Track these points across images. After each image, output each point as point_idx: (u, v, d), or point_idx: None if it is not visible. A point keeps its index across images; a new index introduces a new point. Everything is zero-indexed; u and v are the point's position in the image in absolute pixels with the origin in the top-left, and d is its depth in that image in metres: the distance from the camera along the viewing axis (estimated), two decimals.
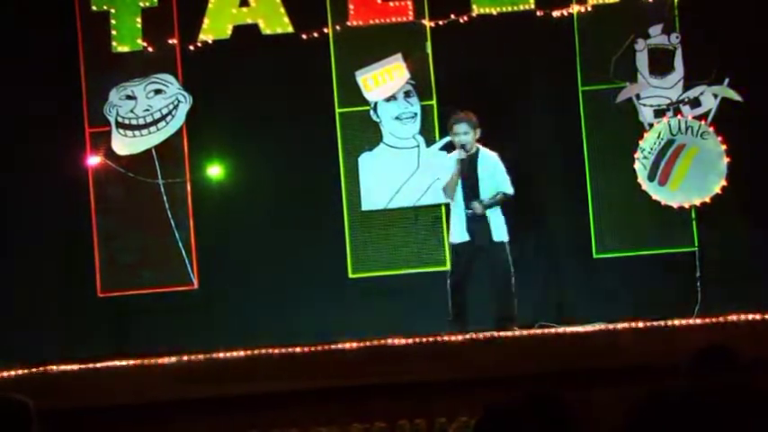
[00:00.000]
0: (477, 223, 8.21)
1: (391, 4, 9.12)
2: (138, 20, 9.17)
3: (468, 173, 8.20)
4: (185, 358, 7.71)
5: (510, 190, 8.27)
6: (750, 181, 8.85)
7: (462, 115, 8.25)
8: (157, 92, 9.16)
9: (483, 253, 8.25)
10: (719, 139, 8.80)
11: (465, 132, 8.18)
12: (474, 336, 7.88)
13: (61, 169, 9.16)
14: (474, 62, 9.07)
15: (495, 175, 8.25)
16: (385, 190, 9.15)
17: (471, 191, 8.22)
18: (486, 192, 8.22)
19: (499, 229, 8.24)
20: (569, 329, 7.93)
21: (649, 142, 8.85)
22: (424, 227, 9.18)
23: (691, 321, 8.06)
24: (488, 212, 8.22)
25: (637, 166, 8.84)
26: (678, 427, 2.71)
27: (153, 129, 9.16)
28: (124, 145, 9.16)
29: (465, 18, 9.03)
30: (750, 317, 7.84)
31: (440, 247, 9.10)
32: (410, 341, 7.79)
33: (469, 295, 8.26)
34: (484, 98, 9.01)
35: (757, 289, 8.52)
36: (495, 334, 7.88)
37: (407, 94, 9.17)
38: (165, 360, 7.72)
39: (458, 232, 8.30)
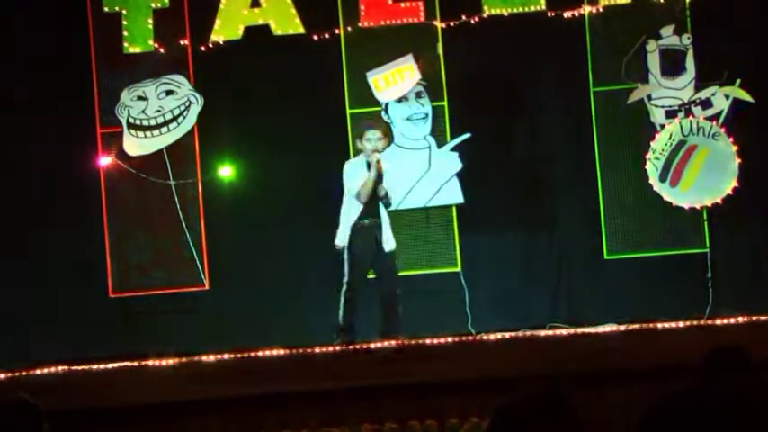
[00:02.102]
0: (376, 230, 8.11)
1: (402, 5, 9.11)
2: (150, 21, 9.18)
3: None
4: (196, 359, 7.69)
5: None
6: (761, 182, 8.85)
7: (371, 120, 8.17)
8: (169, 93, 9.16)
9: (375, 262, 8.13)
10: (731, 139, 8.79)
11: (379, 138, 8.09)
12: (485, 336, 7.87)
13: (73, 170, 9.17)
14: (485, 63, 9.07)
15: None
16: (396, 191, 9.07)
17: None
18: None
19: (389, 238, 8.16)
20: (580, 330, 7.92)
21: (661, 143, 8.84)
22: (436, 228, 9.16)
23: (702, 322, 8.04)
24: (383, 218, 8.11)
25: (648, 166, 8.84)
26: (691, 428, 2.68)
27: (164, 129, 9.16)
28: (135, 146, 9.17)
29: (476, 19, 9.02)
30: (762, 318, 7.81)
31: (451, 248, 9.08)
32: (420, 342, 7.78)
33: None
34: (495, 99, 9.05)
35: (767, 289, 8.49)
36: (507, 335, 7.86)
37: (418, 95, 9.17)
38: (176, 360, 7.71)
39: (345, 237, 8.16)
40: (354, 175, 8.14)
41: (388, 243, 8.13)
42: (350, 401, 6.90)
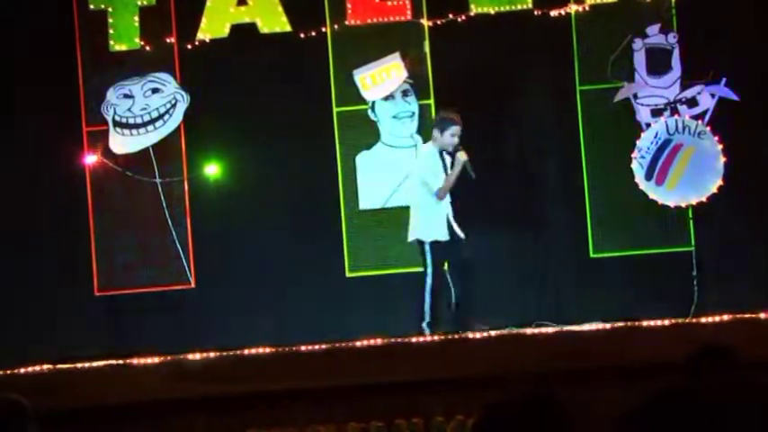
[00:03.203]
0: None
1: (389, 3, 9.11)
2: (136, 18, 9.16)
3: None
4: (182, 357, 7.66)
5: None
6: (747, 180, 8.86)
7: (456, 117, 8.21)
8: (155, 91, 9.15)
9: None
10: (716, 138, 8.80)
11: (458, 134, 8.16)
12: (471, 335, 7.87)
13: (59, 168, 9.15)
14: (472, 61, 9.06)
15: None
16: (383, 189, 9.14)
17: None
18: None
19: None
20: (566, 328, 7.92)
21: (646, 142, 8.85)
22: None
23: (687, 321, 8.05)
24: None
25: (634, 165, 8.84)
26: (678, 426, 2.69)
27: (150, 128, 9.15)
28: (121, 144, 9.15)
29: (463, 17, 9.03)
30: (747, 316, 7.82)
31: None
32: (407, 340, 7.78)
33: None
34: (481, 97, 9.03)
35: (754, 288, 8.52)
36: (493, 333, 7.87)
37: (405, 93, 9.18)
38: (162, 359, 7.69)
39: (440, 230, 8.21)
40: (431, 165, 8.17)
41: (460, 232, 8.17)
42: (336, 400, 6.90)
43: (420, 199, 8.24)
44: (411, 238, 8.28)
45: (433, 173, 8.19)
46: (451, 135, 8.17)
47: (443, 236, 8.17)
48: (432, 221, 8.19)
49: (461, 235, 8.20)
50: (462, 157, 8.11)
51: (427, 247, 8.13)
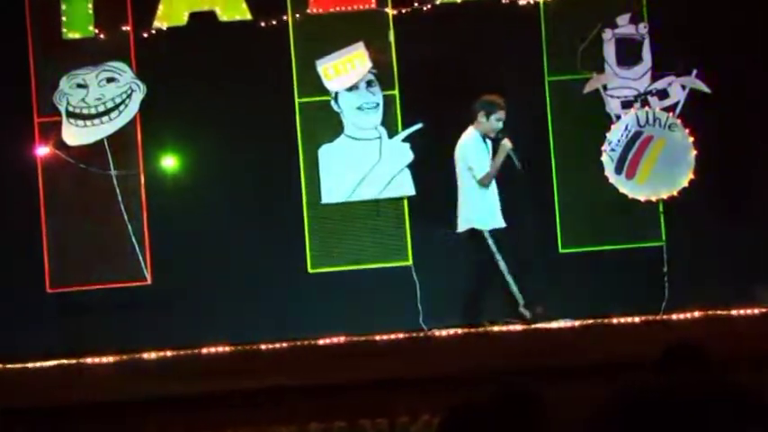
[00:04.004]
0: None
1: None
2: (90, 5, 9.07)
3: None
4: (138, 356, 7.63)
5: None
6: (718, 174, 8.91)
7: (500, 98, 8.28)
8: (110, 80, 9.07)
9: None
10: (687, 131, 8.84)
11: (503, 119, 8.27)
12: (436, 332, 7.87)
13: (9, 160, 9.05)
14: (437, 51, 9.04)
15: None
16: (346, 182, 9.12)
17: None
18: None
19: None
20: (535, 326, 7.94)
21: (616, 134, 8.88)
22: (387, 220, 9.16)
23: (658, 318, 8.09)
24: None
25: (604, 158, 8.87)
26: (647, 424, 2.69)
27: (105, 118, 9.07)
28: (75, 135, 9.06)
29: (428, 6, 9.02)
30: (718, 313, 7.87)
31: (402, 242, 9.09)
32: (371, 338, 7.77)
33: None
34: (447, 88, 9.00)
35: (725, 285, 8.56)
36: (460, 331, 7.88)
37: (369, 84, 9.15)
38: (117, 358, 7.65)
39: (497, 217, 8.28)
40: (477, 154, 8.24)
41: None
42: (298, 399, 6.88)
43: (468, 186, 8.28)
44: (463, 227, 8.30)
45: (478, 158, 8.29)
46: (497, 120, 8.28)
47: (500, 222, 8.27)
48: (485, 208, 8.29)
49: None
50: (508, 144, 8.22)
51: (487, 235, 8.21)
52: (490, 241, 8.18)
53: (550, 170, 9.08)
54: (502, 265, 8.17)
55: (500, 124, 8.27)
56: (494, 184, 8.37)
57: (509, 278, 8.14)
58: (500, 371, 6.51)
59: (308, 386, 6.85)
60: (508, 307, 8.30)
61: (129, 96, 9.07)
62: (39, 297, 9.01)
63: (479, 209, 8.27)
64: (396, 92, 9.13)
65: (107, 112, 9.06)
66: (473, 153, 8.29)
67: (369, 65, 9.00)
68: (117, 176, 9.04)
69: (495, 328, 7.95)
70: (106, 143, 9.06)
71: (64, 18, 9.07)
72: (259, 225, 9.09)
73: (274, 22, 9.05)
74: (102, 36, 9.07)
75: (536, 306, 8.11)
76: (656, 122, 8.87)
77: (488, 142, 8.39)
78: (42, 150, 9.07)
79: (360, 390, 6.87)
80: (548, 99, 9.07)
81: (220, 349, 8.04)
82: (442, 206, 8.94)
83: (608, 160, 8.86)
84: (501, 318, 8.32)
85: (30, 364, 7.54)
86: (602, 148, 8.87)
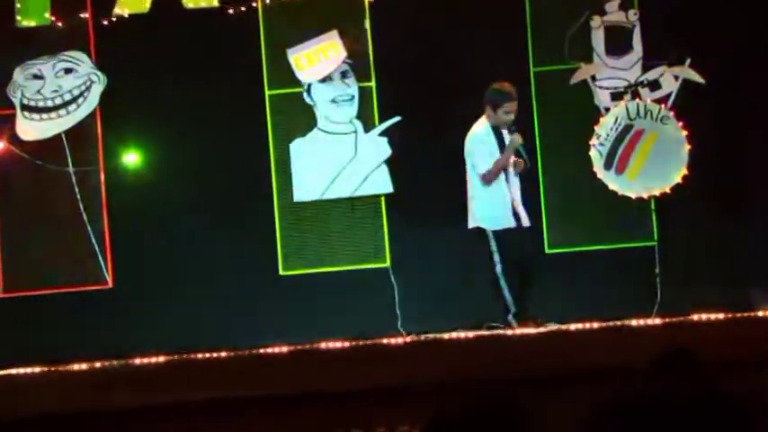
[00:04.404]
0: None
1: None
2: None
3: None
4: (99, 364, 7.61)
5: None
6: (713, 169, 8.93)
7: (510, 87, 8.20)
8: (68, 71, 9.07)
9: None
10: (680, 124, 8.85)
11: (513, 111, 8.20)
12: (415, 338, 7.86)
13: None
14: (416, 40, 9.05)
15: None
16: (319, 179, 9.14)
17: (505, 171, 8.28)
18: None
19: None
20: (519, 331, 7.94)
21: (606, 127, 8.89)
22: (362, 219, 9.16)
23: (649, 321, 8.11)
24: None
25: (592, 153, 8.88)
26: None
27: (63, 112, 9.07)
28: (30, 129, 9.07)
29: None
30: (713, 316, 7.90)
31: (380, 242, 9.10)
32: (346, 344, 7.77)
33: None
34: (427, 80, 9.03)
35: (720, 286, 8.60)
36: (440, 337, 7.88)
37: (344, 75, 9.15)
38: (77, 367, 7.63)
39: (505, 217, 8.23)
40: (481, 149, 8.18)
41: (525, 219, 8.22)
42: (267, 410, 6.86)
43: (475, 182, 8.23)
44: (470, 225, 8.28)
45: (481, 154, 8.21)
46: (505, 112, 8.17)
47: (509, 222, 8.19)
48: (492, 207, 8.20)
49: (525, 223, 8.23)
50: (517, 140, 8.16)
51: (490, 235, 8.14)
52: (492, 242, 8.14)
53: (536, 165, 9.03)
54: (499, 268, 8.13)
55: (510, 117, 8.14)
56: (512, 180, 8.25)
57: (504, 283, 8.11)
58: (483, 379, 6.50)
59: (276, 396, 6.82)
60: (488, 311, 8.30)
61: (87, 88, 9.07)
62: None
63: (486, 206, 8.22)
64: (372, 83, 9.14)
65: (65, 104, 9.07)
66: (477, 147, 8.23)
67: (343, 54, 9.01)
68: (75, 173, 9.03)
69: (478, 334, 7.94)
70: (64, 138, 9.06)
71: (18, 5, 9.07)
72: (227, 225, 9.11)
73: (243, 9, 9.06)
74: (59, 24, 9.07)
75: (532, 319, 8.08)
76: (647, 115, 8.89)
77: (503, 135, 8.23)
78: None
79: (334, 399, 6.85)
80: (533, 91, 9.07)
81: (186, 357, 8.02)
82: (422, 204, 8.95)
83: (597, 155, 8.88)
84: (485, 323, 8.33)
85: None
86: (591, 142, 8.89)
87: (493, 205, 8.20)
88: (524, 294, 8.19)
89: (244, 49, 9.10)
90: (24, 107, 9.06)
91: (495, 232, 8.17)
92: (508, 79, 8.35)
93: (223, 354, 8.06)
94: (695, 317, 8.09)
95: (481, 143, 8.23)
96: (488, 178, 8.17)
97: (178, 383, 7.18)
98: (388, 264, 9.04)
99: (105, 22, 9.05)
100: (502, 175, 8.18)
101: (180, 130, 9.17)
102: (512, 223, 8.20)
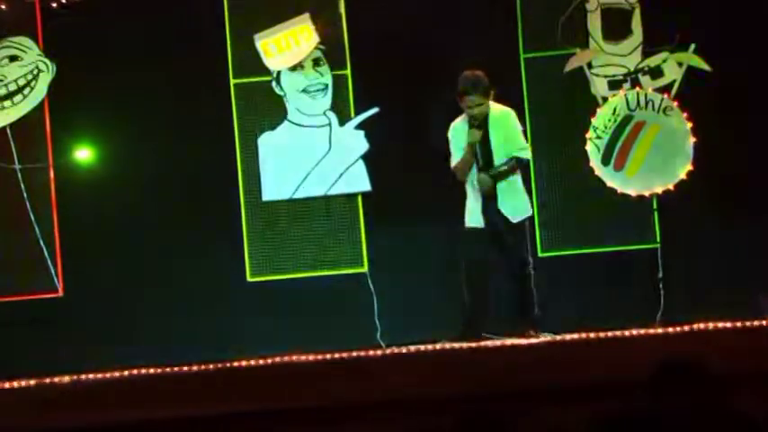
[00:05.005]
0: (491, 202, 8.22)
1: None
2: None
3: (482, 142, 8.20)
4: (48, 380, 7.63)
5: (524, 153, 8.32)
6: (720, 165, 8.92)
7: (473, 78, 8.18)
8: (12, 58, 9.11)
9: (499, 239, 8.25)
10: (685, 115, 8.87)
11: (479, 104, 8.14)
12: (395, 350, 7.84)
13: None
14: (396, 24, 9.05)
15: (509, 139, 8.23)
16: (290, 177, 9.17)
17: (487, 164, 8.24)
18: (501, 160, 8.24)
19: (515, 206, 8.22)
20: (509, 342, 7.93)
21: (603, 119, 8.93)
22: (338, 221, 9.17)
23: (652, 330, 8.11)
24: (502, 186, 8.19)
25: (589, 147, 8.91)
26: None
27: (7, 103, 9.11)
28: None
29: None
30: (720, 324, 7.90)
31: (357, 245, 9.11)
32: (320, 357, 7.76)
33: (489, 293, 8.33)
34: (407, 67, 9.04)
35: (728, 292, 8.61)
36: (422, 348, 7.87)
37: (316, 62, 9.18)
38: (23, 383, 7.59)
39: (473, 216, 8.26)
40: (453, 142, 8.27)
41: (513, 210, 8.22)
42: (232, 430, 6.84)
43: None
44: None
45: (453, 148, 8.31)
46: (467, 107, 8.25)
47: (477, 222, 8.24)
48: (468, 206, 8.27)
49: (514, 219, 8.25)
50: (473, 136, 8.14)
51: (526, 230, 8.34)
52: (526, 239, 8.27)
53: (527, 161, 9.04)
54: (530, 267, 8.23)
55: (471, 111, 8.19)
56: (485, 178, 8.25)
57: (532, 284, 8.20)
58: (469, 394, 6.49)
59: (245, 413, 6.80)
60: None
61: (34, 77, 9.10)
62: None
63: (466, 206, 8.30)
64: (347, 71, 9.16)
65: (9, 95, 9.12)
66: (451, 140, 8.34)
67: (316, 40, 9.04)
68: (22, 170, 9.03)
69: (464, 345, 7.92)
70: (9, 132, 9.07)
71: None
72: (189, 227, 9.15)
73: None
74: (2, 6, 9.08)
75: (527, 329, 8.08)
76: (648, 105, 8.91)
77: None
78: None
79: (306, 416, 6.83)
80: (523, 79, 9.09)
81: (144, 372, 7.99)
82: (402, 203, 8.92)
83: (593, 149, 8.91)
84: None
85: None
86: (587, 135, 8.88)
87: (468, 203, 8.26)
88: (516, 302, 8.20)
89: (206, 35, 9.11)
90: None
91: (464, 232, 8.22)
92: (484, 68, 8.34)
93: (185, 368, 8.04)
94: (701, 325, 8.08)
95: (453, 136, 8.34)
96: (458, 175, 8.23)
97: (135, 401, 7.17)
98: (365, 269, 9.02)
99: (54, 5, 9.07)
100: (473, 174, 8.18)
101: (137, 124, 9.17)
102: (478, 223, 8.22)
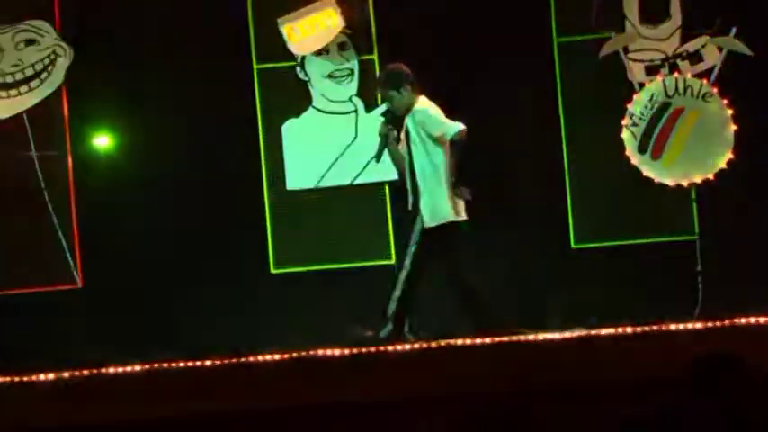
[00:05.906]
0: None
1: None
2: None
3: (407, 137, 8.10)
4: (67, 374, 7.59)
5: (453, 130, 7.96)
6: (761, 153, 8.91)
7: (380, 74, 8.22)
8: (29, 42, 9.18)
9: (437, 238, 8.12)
10: (725, 101, 8.82)
11: (385, 99, 8.08)
12: (424, 344, 7.81)
13: None
14: (425, 8, 9.06)
15: (426, 127, 8.00)
16: (315, 165, 9.17)
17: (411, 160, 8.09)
18: (420, 157, 8.01)
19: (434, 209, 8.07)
20: (542, 336, 7.90)
21: (640, 106, 8.89)
22: (365, 211, 9.19)
23: (690, 325, 8.04)
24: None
25: (625, 135, 8.87)
26: None
27: (24, 88, 9.18)
28: None
29: None
30: (761, 319, 7.84)
31: (384, 236, 9.11)
32: (345, 352, 7.74)
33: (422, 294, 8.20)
34: (437, 53, 9.05)
35: None
36: (452, 342, 7.84)
37: (342, 47, 9.22)
38: (42, 377, 7.63)
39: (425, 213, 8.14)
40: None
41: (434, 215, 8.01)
42: (253, 428, 6.86)
43: None
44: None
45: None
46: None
47: (427, 221, 8.12)
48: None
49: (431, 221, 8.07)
50: (379, 128, 8.04)
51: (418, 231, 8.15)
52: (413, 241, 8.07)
53: (560, 150, 9.07)
54: (404, 273, 8.00)
55: (386, 105, 8.12)
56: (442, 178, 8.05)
57: (400, 288, 7.99)
58: (498, 391, 6.46)
59: (264, 410, 6.86)
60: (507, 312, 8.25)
61: (52, 62, 9.15)
62: None
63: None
64: (374, 56, 9.17)
65: (26, 80, 9.18)
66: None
67: (341, 24, 9.02)
68: (39, 158, 9.05)
69: (495, 339, 7.88)
70: (26, 118, 9.09)
71: None
72: (212, 217, 9.16)
73: None
74: None
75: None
76: (687, 91, 8.87)
77: (404, 121, 8.07)
78: None
79: (328, 413, 6.83)
80: (557, 64, 9.11)
81: (165, 366, 7.98)
82: None
83: (629, 137, 8.87)
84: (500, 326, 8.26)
85: None
86: (623, 122, 8.84)
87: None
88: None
89: (229, 19, 9.14)
90: None
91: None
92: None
93: (207, 362, 8.02)
94: (742, 320, 8.01)
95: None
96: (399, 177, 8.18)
97: (154, 396, 7.24)
98: (393, 261, 8.98)
99: None
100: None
101: (157, 110, 9.22)
102: (427, 222, 8.07)
